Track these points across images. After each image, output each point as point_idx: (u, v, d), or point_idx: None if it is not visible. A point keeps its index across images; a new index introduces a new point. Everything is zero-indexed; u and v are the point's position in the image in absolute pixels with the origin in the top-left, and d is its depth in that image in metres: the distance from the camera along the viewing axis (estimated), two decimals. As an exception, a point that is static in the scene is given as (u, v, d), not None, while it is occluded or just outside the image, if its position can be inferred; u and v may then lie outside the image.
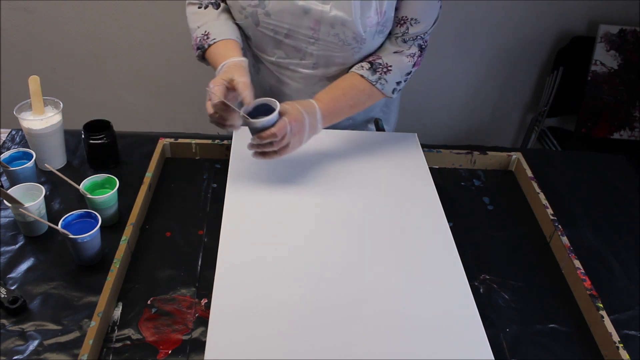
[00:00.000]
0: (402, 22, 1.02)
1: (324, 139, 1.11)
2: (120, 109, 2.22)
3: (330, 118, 1.01)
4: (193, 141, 1.15)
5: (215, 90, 0.88)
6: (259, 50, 1.11)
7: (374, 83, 1.05)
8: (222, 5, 1.08)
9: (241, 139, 1.09)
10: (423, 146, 1.14)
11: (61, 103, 1.08)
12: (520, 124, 2.43)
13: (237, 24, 1.08)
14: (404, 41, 1.05)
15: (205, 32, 1.04)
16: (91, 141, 1.07)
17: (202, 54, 1.05)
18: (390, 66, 1.05)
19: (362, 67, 1.06)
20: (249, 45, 1.14)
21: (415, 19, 1.01)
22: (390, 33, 1.06)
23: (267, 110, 0.91)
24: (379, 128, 1.24)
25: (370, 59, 1.07)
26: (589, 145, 2.15)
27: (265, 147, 0.93)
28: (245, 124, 0.92)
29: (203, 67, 1.12)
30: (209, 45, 1.02)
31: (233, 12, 1.07)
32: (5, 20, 1.97)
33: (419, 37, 1.05)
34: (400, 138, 1.15)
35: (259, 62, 1.15)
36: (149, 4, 1.96)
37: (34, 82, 1.04)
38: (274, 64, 1.11)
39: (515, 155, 1.20)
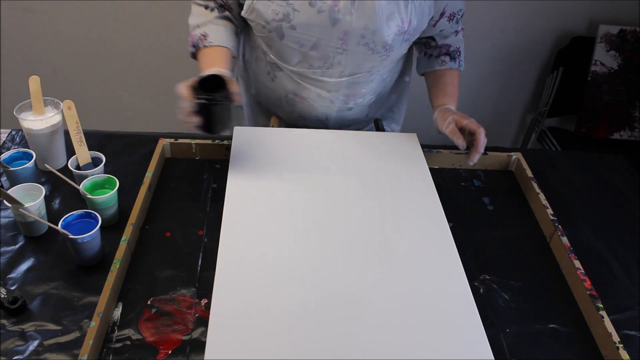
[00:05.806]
0: (452, 17, 1.13)
1: (324, 139, 1.11)
2: (120, 109, 2.22)
3: None
4: (193, 141, 1.15)
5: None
6: (281, 61, 1.11)
7: (458, 68, 1.21)
8: (227, 13, 1.08)
9: (241, 139, 1.10)
10: (423, 146, 1.14)
11: (61, 103, 1.08)
12: (520, 124, 2.43)
13: (235, 32, 1.10)
14: (457, 22, 1.16)
15: (204, 33, 1.05)
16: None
17: (195, 52, 1.07)
18: (459, 48, 1.20)
19: (444, 62, 1.19)
20: (264, 53, 1.13)
21: (460, 9, 1.13)
22: (442, 30, 1.16)
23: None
24: (379, 128, 1.24)
25: (444, 50, 1.19)
26: (589, 145, 2.15)
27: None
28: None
29: (203, 67, 1.12)
30: (204, 47, 1.05)
31: (253, 26, 1.06)
32: (5, 20, 1.97)
33: (460, 16, 1.17)
34: (400, 138, 1.15)
35: (275, 70, 1.14)
36: (149, 4, 1.96)
37: (34, 82, 1.04)
38: (296, 72, 1.11)
39: (515, 155, 1.20)
